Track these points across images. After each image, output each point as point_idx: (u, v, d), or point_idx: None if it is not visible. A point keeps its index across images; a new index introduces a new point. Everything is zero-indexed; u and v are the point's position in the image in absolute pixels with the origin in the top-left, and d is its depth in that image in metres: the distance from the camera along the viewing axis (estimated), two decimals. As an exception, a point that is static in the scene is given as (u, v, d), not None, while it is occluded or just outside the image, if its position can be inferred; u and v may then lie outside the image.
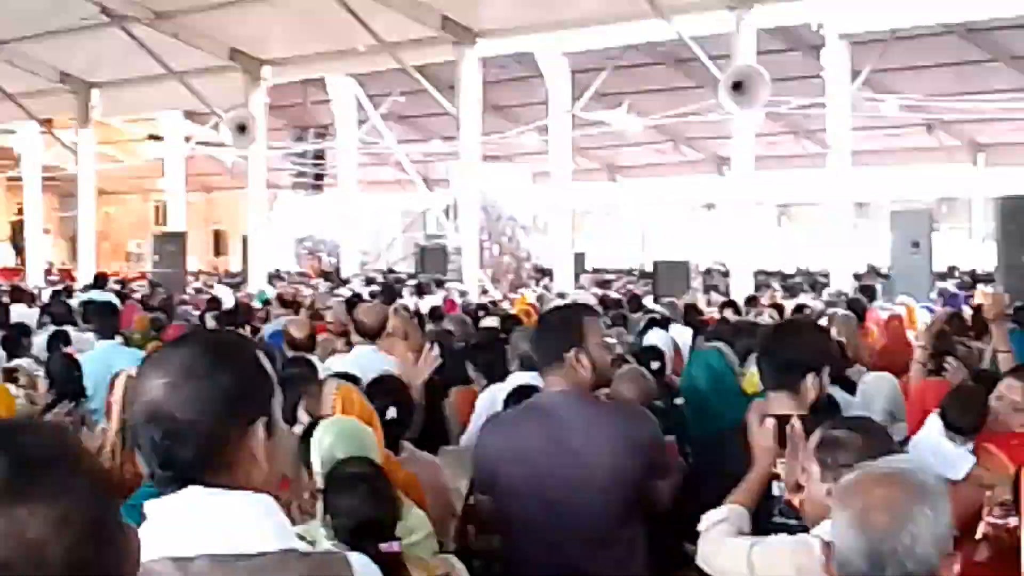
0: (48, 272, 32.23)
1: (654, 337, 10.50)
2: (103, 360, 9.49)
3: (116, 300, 16.39)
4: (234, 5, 20.75)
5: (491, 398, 7.62)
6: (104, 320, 10.36)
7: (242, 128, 22.89)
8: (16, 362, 9.93)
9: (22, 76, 25.85)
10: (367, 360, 8.48)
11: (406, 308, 14.44)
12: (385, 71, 23.49)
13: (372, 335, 9.40)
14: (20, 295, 18.69)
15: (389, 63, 22.06)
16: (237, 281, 26.52)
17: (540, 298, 18.97)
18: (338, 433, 4.64)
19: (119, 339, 10.27)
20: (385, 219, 41.04)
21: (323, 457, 4.53)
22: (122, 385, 6.40)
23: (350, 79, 27.10)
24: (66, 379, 8.10)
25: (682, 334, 11.94)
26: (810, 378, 4.34)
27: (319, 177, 33.12)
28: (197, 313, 16.18)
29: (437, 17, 21.00)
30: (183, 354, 2.39)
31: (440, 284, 20.99)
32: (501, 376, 8.09)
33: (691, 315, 13.77)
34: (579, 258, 27.96)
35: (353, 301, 14.30)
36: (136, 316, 14.13)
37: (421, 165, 31.53)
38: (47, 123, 28.54)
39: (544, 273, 26.78)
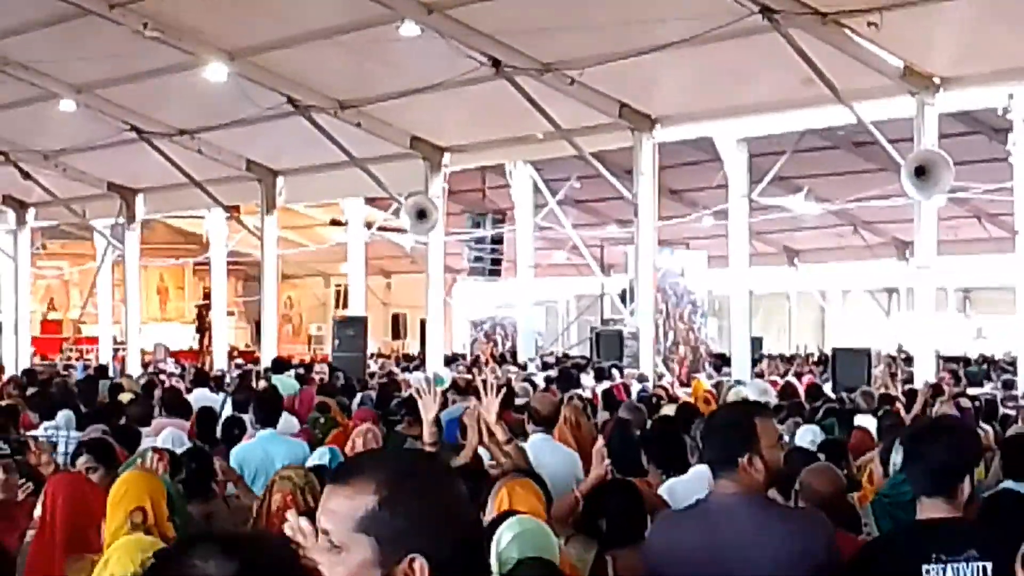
0: (232, 355, 32.94)
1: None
2: (262, 449, 9.70)
3: (297, 384, 16.74)
4: (415, 95, 21.10)
5: (668, 492, 7.51)
6: (266, 408, 10.56)
7: (422, 214, 23.19)
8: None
9: (210, 164, 26.65)
10: (540, 450, 8.47)
11: (581, 397, 14.44)
12: (562, 157, 23.64)
13: (546, 424, 9.39)
14: (204, 379, 19.13)
15: (566, 149, 22.21)
16: (416, 365, 26.78)
17: (717, 385, 18.79)
18: (519, 533, 4.62)
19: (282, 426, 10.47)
20: (560, 303, 41.20)
21: (499, 555, 4.51)
22: (271, 487, 6.56)
23: (528, 165, 27.32)
24: (192, 475, 8.17)
25: (870, 424, 11.69)
26: (966, 481, 4.22)
27: (496, 262, 33.35)
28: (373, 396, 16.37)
29: (615, 104, 21.13)
30: (369, 471, 2.41)
31: (620, 370, 20.91)
32: (679, 469, 7.98)
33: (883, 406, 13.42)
34: (756, 343, 27.65)
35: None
36: (316, 401, 14.34)
37: (597, 249, 31.59)
38: (233, 209, 29.23)
39: (720, 358, 26.53)
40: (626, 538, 5.89)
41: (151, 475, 6.68)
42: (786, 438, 9.69)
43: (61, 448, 11.29)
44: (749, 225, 23.24)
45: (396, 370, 25.30)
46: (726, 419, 4.93)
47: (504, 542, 4.56)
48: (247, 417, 11.35)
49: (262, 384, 16.84)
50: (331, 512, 2.40)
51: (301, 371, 21.14)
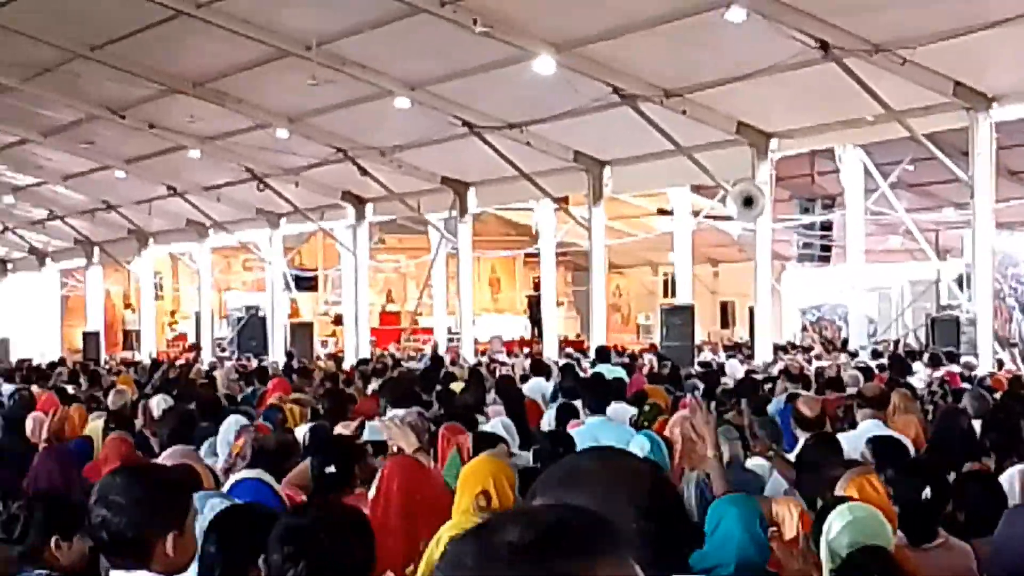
0: (563, 344, 33.38)
1: None
2: (591, 435, 9.79)
3: (624, 373, 16.84)
4: (740, 81, 20.91)
5: (1008, 482, 7.21)
6: (595, 395, 10.67)
7: (748, 201, 22.99)
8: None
9: (538, 156, 27.05)
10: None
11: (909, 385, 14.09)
12: (894, 139, 22.98)
13: (875, 407, 9.24)
14: (539, 369, 19.45)
15: (898, 131, 21.58)
16: (748, 355, 26.57)
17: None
18: (851, 521, 4.55)
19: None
20: (894, 289, 40.12)
21: (830, 543, 4.45)
22: None
23: (857, 148, 26.69)
24: None
25: None
26: None
27: (826, 248, 32.78)
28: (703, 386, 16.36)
29: (948, 83, 20.38)
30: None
31: (954, 357, 20.24)
32: (1017, 457, 7.68)
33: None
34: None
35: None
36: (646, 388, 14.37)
37: (931, 233, 30.65)
38: (562, 201, 29.58)
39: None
40: (984, 529, 5.68)
41: (498, 459, 6.84)
42: None
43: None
44: (1097, 205, 22.18)
45: (722, 358, 25.18)
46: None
47: (835, 530, 4.50)
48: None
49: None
50: None
51: (627, 360, 21.25)
